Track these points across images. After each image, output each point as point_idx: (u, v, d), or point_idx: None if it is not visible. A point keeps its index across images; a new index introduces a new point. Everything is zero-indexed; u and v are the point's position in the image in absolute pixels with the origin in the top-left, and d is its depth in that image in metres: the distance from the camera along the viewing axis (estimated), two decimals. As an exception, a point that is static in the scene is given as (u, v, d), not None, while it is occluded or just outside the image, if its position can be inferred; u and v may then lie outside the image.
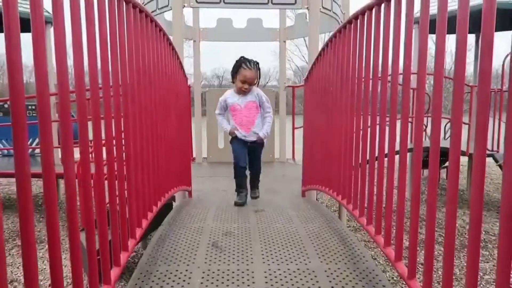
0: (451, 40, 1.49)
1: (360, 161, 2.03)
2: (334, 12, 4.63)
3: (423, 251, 1.35)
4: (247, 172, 3.35)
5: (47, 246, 1.07)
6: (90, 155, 1.37)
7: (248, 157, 3.29)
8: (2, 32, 0.96)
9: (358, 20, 1.95)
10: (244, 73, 3.05)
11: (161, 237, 2.21)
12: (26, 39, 1.05)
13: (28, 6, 1.02)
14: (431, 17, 1.34)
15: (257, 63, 3.11)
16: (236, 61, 3.10)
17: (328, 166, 2.69)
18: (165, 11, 4.51)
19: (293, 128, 6.25)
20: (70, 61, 1.25)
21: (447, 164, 6.24)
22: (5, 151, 7.16)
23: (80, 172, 1.27)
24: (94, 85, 1.36)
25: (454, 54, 1.16)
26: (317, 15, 4.33)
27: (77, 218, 1.17)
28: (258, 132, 3.20)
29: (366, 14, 1.84)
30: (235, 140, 3.24)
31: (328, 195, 2.83)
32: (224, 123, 3.28)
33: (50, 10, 1.11)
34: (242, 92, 3.14)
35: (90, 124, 1.33)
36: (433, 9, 1.25)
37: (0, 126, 5.81)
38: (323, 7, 4.38)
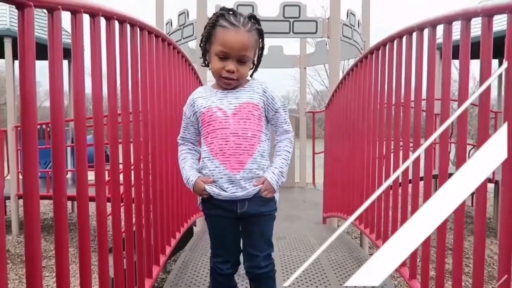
0: (473, 65, 1.49)
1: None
2: (354, 40, 4.69)
3: (449, 281, 1.32)
4: (239, 278, 1.60)
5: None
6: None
7: (243, 241, 1.48)
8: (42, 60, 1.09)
9: (380, 51, 1.99)
10: (225, 36, 1.33)
11: (184, 263, 2.22)
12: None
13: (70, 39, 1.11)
14: (453, 43, 1.36)
15: (253, 18, 1.40)
16: (210, 18, 1.39)
17: (350, 193, 2.67)
18: (190, 41, 4.69)
19: (313, 153, 6.24)
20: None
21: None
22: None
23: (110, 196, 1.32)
24: (126, 112, 1.43)
25: (476, 79, 1.18)
26: (338, 44, 4.39)
27: (107, 246, 1.21)
28: (263, 174, 1.40)
29: (387, 45, 1.87)
30: (209, 206, 1.45)
31: (350, 223, 2.79)
32: (187, 165, 1.47)
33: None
34: (226, 83, 1.40)
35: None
36: (456, 35, 1.26)
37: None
38: (343, 36, 4.45)
